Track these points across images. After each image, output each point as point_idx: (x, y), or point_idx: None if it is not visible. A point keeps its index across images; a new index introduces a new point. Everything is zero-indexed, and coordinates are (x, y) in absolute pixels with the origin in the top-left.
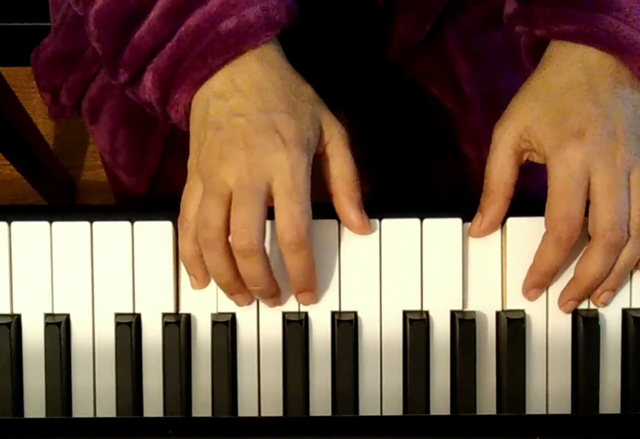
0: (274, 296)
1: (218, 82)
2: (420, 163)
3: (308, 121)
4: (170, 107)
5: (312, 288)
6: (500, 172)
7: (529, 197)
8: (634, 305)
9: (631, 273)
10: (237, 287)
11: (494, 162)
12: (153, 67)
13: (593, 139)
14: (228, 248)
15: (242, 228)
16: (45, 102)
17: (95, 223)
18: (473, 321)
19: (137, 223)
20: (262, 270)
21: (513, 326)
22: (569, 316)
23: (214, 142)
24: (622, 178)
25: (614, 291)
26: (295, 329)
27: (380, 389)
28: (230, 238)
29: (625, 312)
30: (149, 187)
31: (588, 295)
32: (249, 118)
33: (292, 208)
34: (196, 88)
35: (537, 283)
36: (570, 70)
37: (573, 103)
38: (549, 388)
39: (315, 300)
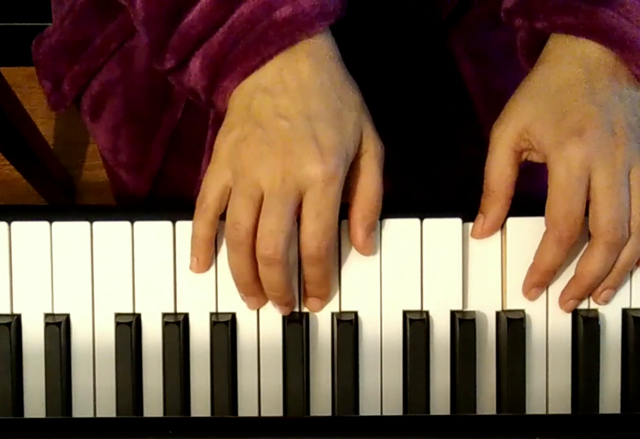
0: (288, 304)
1: (267, 74)
2: (422, 163)
3: (350, 131)
4: (217, 95)
5: (323, 297)
6: (500, 172)
7: (529, 197)
8: (634, 305)
9: (631, 273)
10: (254, 290)
11: (494, 162)
12: (202, 53)
13: (593, 138)
14: (253, 250)
15: (268, 237)
16: (44, 90)
17: (95, 223)
18: (473, 321)
19: (137, 223)
20: (282, 280)
21: (513, 326)
22: (569, 316)
23: (252, 139)
24: (622, 177)
25: (615, 289)
26: (295, 329)
27: (381, 389)
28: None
29: (625, 312)
30: (150, 186)
31: (589, 293)
32: (291, 123)
33: (317, 223)
34: (245, 77)
35: (537, 283)
36: (570, 67)
37: (572, 101)
38: (549, 388)
39: (322, 308)
